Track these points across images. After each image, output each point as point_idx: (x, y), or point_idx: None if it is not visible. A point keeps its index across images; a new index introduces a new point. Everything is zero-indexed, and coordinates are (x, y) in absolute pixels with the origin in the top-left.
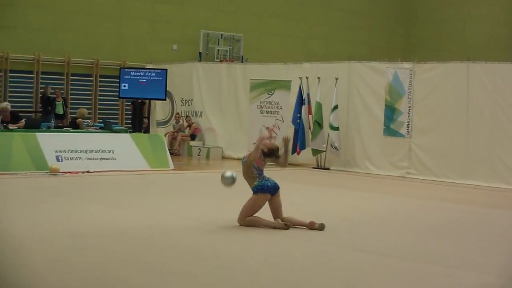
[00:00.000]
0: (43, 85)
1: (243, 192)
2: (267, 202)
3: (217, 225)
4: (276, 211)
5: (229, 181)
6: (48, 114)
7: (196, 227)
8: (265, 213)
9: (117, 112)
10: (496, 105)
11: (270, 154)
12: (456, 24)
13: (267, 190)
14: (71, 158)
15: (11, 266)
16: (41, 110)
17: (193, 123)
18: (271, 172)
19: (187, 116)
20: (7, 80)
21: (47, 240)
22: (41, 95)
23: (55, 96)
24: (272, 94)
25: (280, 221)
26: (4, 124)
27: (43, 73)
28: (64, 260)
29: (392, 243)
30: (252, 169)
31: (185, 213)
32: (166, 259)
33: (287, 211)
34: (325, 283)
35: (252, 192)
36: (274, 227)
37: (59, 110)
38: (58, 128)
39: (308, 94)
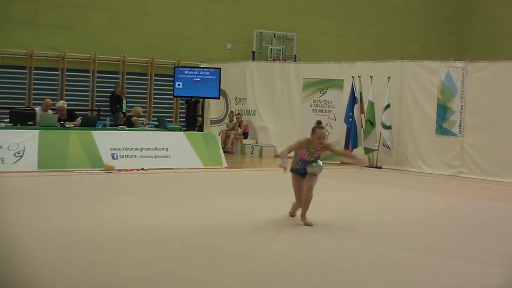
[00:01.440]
0: (104, 84)
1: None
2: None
3: (270, 223)
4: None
5: (319, 170)
6: (116, 112)
7: (250, 225)
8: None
9: (171, 110)
10: None
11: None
12: (509, 23)
13: None
14: (126, 156)
15: (68, 262)
16: (109, 107)
17: (242, 121)
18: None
19: (237, 114)
20: (64, 79)
21: (104, 236)
22: (110, 94)
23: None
24: (324, 93)
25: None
26: (61, 122)
27: (99, 71)
28: (123, 255)
29: (443, 242)
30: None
31: (239, 211)
32: (221, 256)
33: (339, 209)
34: (379, 282)
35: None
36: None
37: (124, 108)
38: (117, 126)
39: (360, 93)
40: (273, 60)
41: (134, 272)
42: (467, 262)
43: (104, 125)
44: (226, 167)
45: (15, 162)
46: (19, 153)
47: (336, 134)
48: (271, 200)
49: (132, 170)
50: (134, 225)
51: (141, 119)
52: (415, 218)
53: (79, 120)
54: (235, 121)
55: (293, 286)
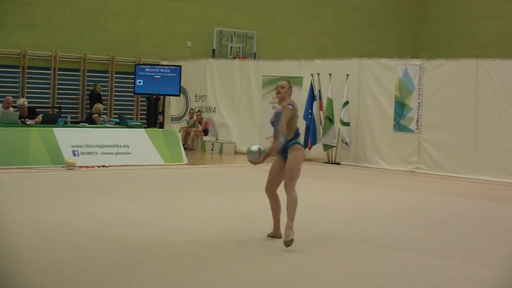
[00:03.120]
0: (65, 81)
1: (256, 185)
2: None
3: (229, 218)
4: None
5: (256, 156)
6: None
7: (214, 221)
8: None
9: (132, 107)
10: (504, 101)
11: None
12: (465, 22)
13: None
14: (87, 153)
15: (35, 259)
16: (89, 105)
17: (202, 118)
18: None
19: (197, 111)
20: (25, 76)
21: (67, 231)
22: (90, 92)
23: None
24: None
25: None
26: (22, 120)
27: (60, 69)
28: (84, 250)
29: (401, 237)
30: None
31: (200, 207)
32: (181, 252)
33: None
34: (335, 275)
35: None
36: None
37: None
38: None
39: (319, 90)
40: (233, 57)
41: (96, 266)
42: (424, 256)
43: (65, 122)
44: (187, 164)
45: None
46: None
47: None
48: (232, 196)
49: (93, 167)
50: (96, 221)
51: (102, 116)
52: (373, 214)
53: (40, 117)
54: (195, 118)
55: (245, 277)
